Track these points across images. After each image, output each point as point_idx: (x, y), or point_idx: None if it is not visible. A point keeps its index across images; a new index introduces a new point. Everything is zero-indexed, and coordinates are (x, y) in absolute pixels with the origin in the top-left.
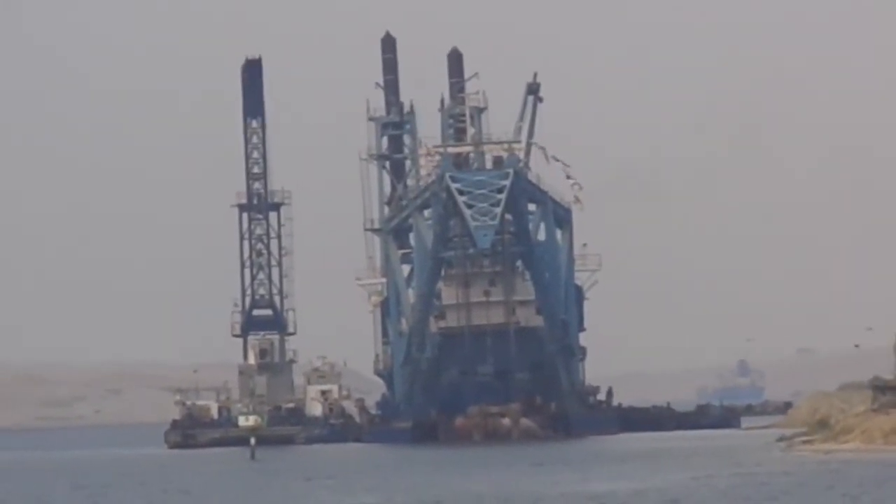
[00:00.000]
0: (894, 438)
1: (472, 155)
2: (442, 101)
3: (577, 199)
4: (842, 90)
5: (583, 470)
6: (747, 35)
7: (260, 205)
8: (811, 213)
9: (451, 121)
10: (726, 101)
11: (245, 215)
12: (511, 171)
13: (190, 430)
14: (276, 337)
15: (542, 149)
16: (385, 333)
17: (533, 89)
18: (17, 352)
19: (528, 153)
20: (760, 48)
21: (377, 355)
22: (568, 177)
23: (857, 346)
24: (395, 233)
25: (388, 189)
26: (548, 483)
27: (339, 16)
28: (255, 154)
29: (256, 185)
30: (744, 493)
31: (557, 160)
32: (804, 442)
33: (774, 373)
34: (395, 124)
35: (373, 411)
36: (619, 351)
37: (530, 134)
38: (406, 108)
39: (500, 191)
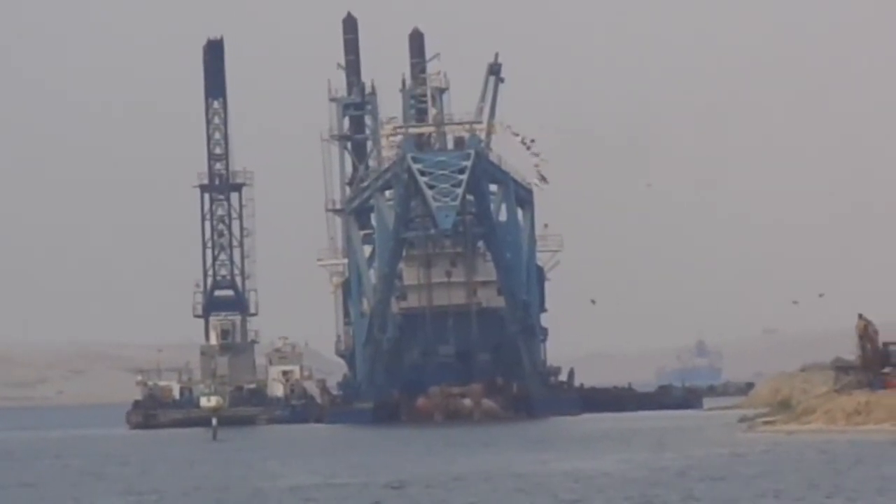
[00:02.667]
0: (856, 419)
1: (433, 136)
2: (403, 82)
3: (542, 178)
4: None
5: (549, 450)
6: (721, 13)
7: (221, 185)
8: (777, 194)
9: (412, 101)
10: (698, 79)
11: (207, 196)
12: (472, 151)
13: (152, 411)
14: (237, 318)
15: (509, 128)
16: (346, 314)
17: (494, 70)
18: None
19: (489, 134)
20: (735, 28)
21: (339, 336)
22: (528, 147)
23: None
24: (357, 213)
25: (349, 170)
26: (512, 463)
27: None
28: (217, 135)
29: (218, 165)
30: (706, 473)
31: (520, 137)
32: (766, 422)
33: (736, 354)
34: (357, 105)
35: (334, 392)
36: (581, 332)
37: (492, 114)
38: (367, 89)
39: (461, 171)
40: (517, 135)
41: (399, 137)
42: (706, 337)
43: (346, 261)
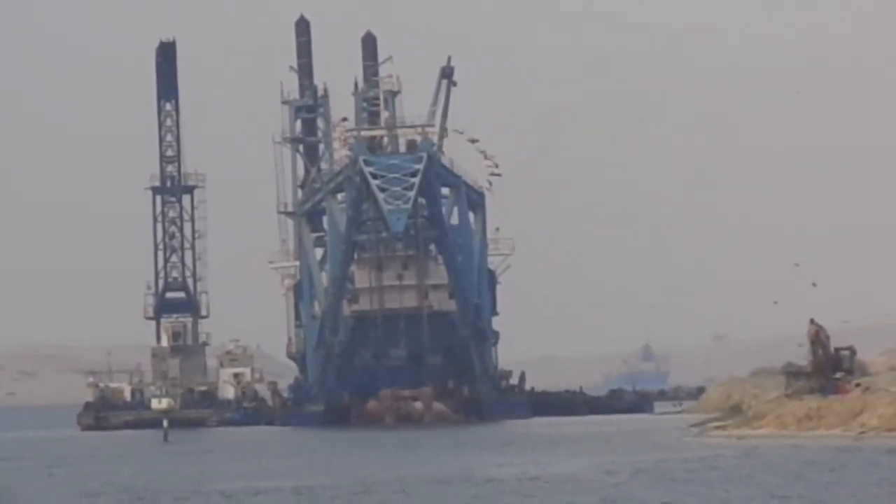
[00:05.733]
0: (807, 424)
1: (385, 139)
2: (356, 85)
3: (495, 174)
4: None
5: (502, 453)
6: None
7: (173, 187)
8: (726, 200)
9: (364, 104)
10: (656, 90)
11: (159, 198)
12: (424, 154)
13: (103, 413)
14: (189, 320)
15: (461, 133)
16: (298, 317)
17: (447, 73)
18: None
19: (441, 137)
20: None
21: (290, 338)
22: (483, 154)
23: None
24: (309, 216)
25: (301, 172)
26: (463, 467)
27: None
28: (169, 137)
29: (170, 167)
30: (663, 477)
31: (475, 141)
32: (717, 427)
33: (685, 359)
34: (309, 107)
35: (285, 394)
36: (530, 335)
37: (444, 118)
38: (320, 92)
39: (413, 174)
40: (472, 140)
41: (351, 140)
42: (653, 342)
43: (297, 263)
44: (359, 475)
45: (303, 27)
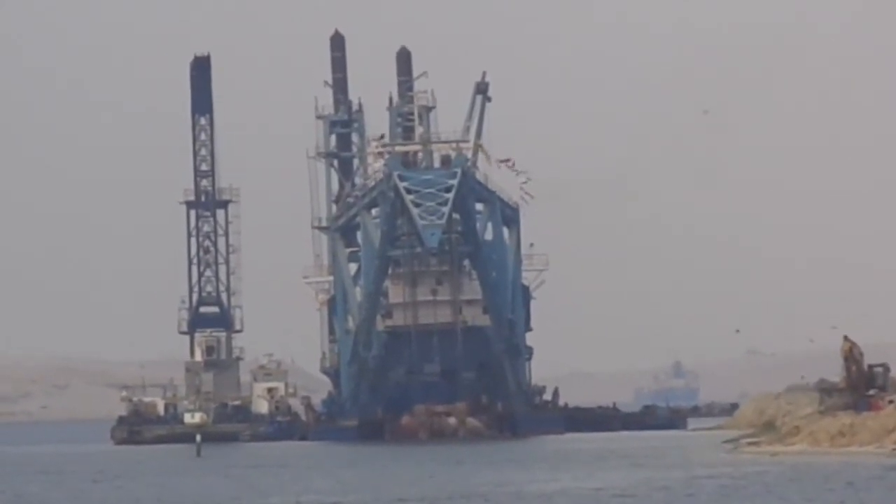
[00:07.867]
0: (841, 441)
1: (420, 154)
2: (390, 100)
3: (528, 194)
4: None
5: (537, 469)
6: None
7: (208, 202)
8: (760, 219)
9: (399, 119)
10: (687, 102)
11: (193, 212)
12: (459, 170)
13: (136, 427)
14: (222, 334)
15: (488, 156)
16: (332, 331)
17: (481, 88)
18: None
19: (475, 152)
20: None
21: (324, 353)
22: (517, 172)
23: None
24: (343, 231)
25: (335, 187)
26: (498, 483)
27: (288, 13)
28: (204, 151)
29: (204, 182)
30: (701, 492)
31: (506, 162)
32: (750, 443)
33: (718, 375)
34: (344, 122)
35: (319, 409)
36: (562, 351)
37: (478, 133)
38: (354, 107)
39: (447, 190)
40: (503, 160)
41: (385, 155)
42: (683, 358)
43: (331, 278)
44: (399, 490)
45: (337, 42)
